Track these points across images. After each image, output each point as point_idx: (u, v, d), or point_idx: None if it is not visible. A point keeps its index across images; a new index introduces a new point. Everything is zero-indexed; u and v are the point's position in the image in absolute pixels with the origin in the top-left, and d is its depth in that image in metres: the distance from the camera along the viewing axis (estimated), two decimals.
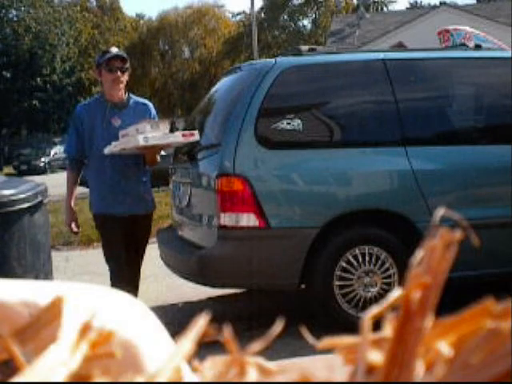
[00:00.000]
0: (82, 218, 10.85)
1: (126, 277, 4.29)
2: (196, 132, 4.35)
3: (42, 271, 4.30)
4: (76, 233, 4.54)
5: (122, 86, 4.40)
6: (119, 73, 4.35)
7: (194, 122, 5.56)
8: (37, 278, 4.12)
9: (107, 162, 4.31)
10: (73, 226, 4.43)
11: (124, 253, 4.32)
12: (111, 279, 4.32)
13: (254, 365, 0.50)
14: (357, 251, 4.44)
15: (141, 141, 4.05)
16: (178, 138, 4.31)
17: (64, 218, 4.41)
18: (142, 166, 4.43)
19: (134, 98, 4.55)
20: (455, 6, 27.56)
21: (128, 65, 4.44)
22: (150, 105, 4.57)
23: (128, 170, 4.37)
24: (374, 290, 4.42)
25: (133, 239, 4.40)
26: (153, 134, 4.12)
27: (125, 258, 4.31)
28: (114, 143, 4.20)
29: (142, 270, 4.57)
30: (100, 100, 4.47)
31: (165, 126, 4.35)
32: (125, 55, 4.48)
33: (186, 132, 4.43)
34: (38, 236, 4.28)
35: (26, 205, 4.15)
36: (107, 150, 4.22)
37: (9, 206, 3.95)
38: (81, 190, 20.63)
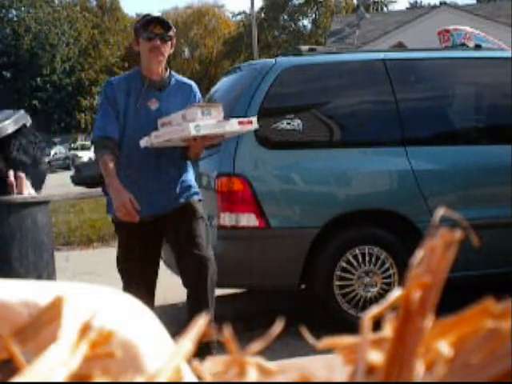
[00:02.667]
0: (82, 218, 10.89)
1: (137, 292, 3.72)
2: (254, 119, 3.69)
3: (45, 271, 4.28)
4: (138, 211, 3.48)
5: (161, 58, 3.62)
6: (159, 41, 3.58)
7: None
8: (39, 278, 4.11)
9: (137, 153, 3.56)
10: (133, 202, 3.46)
11: (142, 267, 3.67)
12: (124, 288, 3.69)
13: (253, 365, 0.50)
14: (357, 251, 4.44)
15: (192, 130, 3.37)
16: (234, 126, 3.59)
17: (115, 203, 3.50)
18: (179, 158, 3.71)
19: (176, 76, 3.78)
20: (455, 6, 27.56)
21: (172, 33, 3.65)
22: (195, 85, 3.83)
23: (164, 162, 3.65)
24: (374, 290, 4.42)
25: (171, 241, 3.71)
26: (205, 121, 3.45)
27: (141, 272, 3.67)
28: (153, 133, 3.48)
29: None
30: (136, 76, 3.70)
31: (218, 112, 3.55)
32: (167, 20, 3.70)
33: (244, 119, 3.73)
34: (40, 236, 4.26)
35: (28, 204, 4.13)
36: (144, 143, 3.51)
37: (11, 204, 3.94)
38: (80, 189, 20.47)
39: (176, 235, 3.65)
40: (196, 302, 3.54)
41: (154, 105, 3.62)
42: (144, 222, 3.53)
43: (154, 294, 3.80)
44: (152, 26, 3.59)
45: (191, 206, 3.68)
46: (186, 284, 3.64)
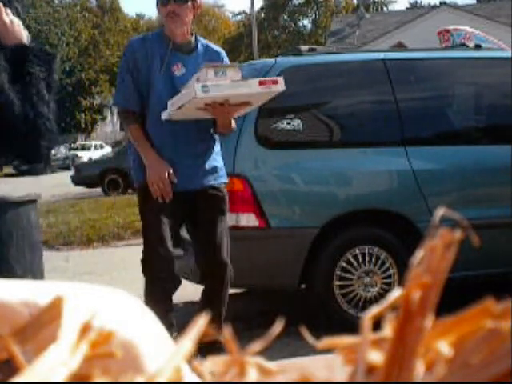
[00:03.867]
0: (82, 218, 10.89)
1: (159, 270, 3.39)
2: (280, 79, 3.24)
3: (39, 271, 4.29)
4: (173, 183, 3.32)
5: (181, 22, 3.32)
6: (174, 4, 3.30)
7: None
8: (34, 277, 4.11)
9: (161, 125, 3.32)
10: (171, 175, 3.31)
11: (168, 240, 3.39)
12: (145, 285, 3.50)
13: (254, 365, 0.50)
14: (357, 251, 4.44)
15: (198, 91, 3.00)
16: (254, 86, 3.12)
17: (150, 175, 3.29)
18: (207, 132, 3.43)
19: (203, 41, 3.53)
20: (455, 6, 27.57)
21: None
22: (224, 53, 3.54)
23: (191, 134, 3.38)
24: (374, 290, 4.42)
25: (192, 223, 3.51)
26: (219, 82, 3.07)
27: (164, 245, 3.39)
28: (169, 102, 3.21)
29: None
30: (160, 37, 3.42)
31: (235, 72, 3.14)
32: None
33: (267, 78, 3.29)
34: (34, 234, 4.26)
35: (23, 202, 4.13)
36: (165, 115, 3.25)
37: (7, 204, 3.94)
38: (80, 189, 20.47)
39: (196, 228, 3.51)
40: (208, 302, 3.52)
41: (178, 70, 3.34)
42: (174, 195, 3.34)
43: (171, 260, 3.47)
44: None
45: (216, 195, 3.45)
46: (200, 282, 3.64)
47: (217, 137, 3.51)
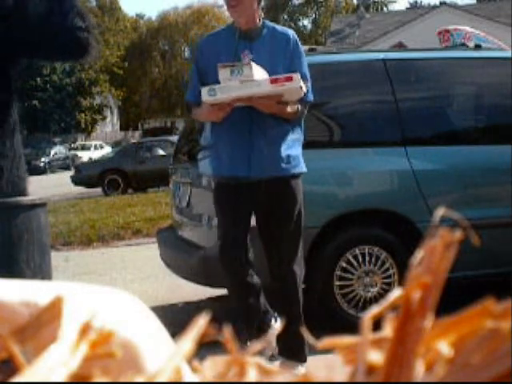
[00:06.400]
0: (82, 218, 10.89)
1: (230, 265, 3.39)
2: (296, 75, 3.17)
3: (47, 273, 4.29)
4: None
5: (242, 11, 3.31)
6: None
7: (194, 122, 5.56)
8: (43, 279, 4.11)
9: (231, 112, 3.23)
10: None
11: (239, 228, 3.38)
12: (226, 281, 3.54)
13: (253, 365, 0.50)
14: (357, 251, 4.44)
15: (206, 96, 3.06)
16: (264, 85, 3.11)
17: (210, 114, 3.26)
18: (274, 119, 3.32)
19: (271, 25, 3.47)
20: (455, 6, 27.58)
21: None
22: (291, 33, 3.46)
23: (259, 123, 3.30)
24: (374, 290, 4.42)
25: (264, 216, 3.44)
26: (228, 83, 3.05)
27: (236, 234, 3.38)
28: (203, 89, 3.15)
29: (141, 269, 4.51)
30: (230, 28, 3.49)
31: (254, 70, 3.11)
32: None
33: (279, 76, 3.17)
34: (43, 237, 4.26)
35: (34, 205, 4.13)
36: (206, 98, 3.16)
37: (19, 207, 3.95)
38: (80, 189, 20.43)
39: (265, 226, 3.46)
40: (281, 303, 3.52)
41: (247, 57, 3.31)
42: (241, 184, 3.31)
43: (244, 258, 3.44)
44: None
45: (289, 188, 3.36)
46: (271, 282, 3.55)
47: (294, 125, 3.41)
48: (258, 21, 3.40)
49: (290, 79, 3.13)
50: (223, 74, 3.07)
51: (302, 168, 3.43)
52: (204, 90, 3.06)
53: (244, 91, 3.09)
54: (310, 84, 3.45)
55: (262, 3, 3.50)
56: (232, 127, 3.32)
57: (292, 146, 3.38)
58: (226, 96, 3.07)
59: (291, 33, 3.48)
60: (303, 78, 3.31)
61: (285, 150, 3.34)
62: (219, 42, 3.42)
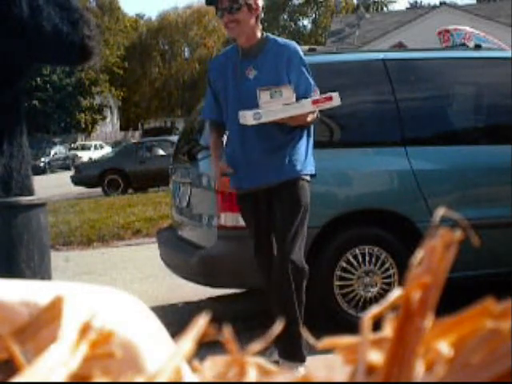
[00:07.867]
0: (82, 218, 10.89)
1: (260, 262, 3.64)
2: (335, 95, 3.35)
3: (46, 273, 4.29)
4: (232, 173, 3.53)
5: (240, 30, 3.42)
6: (228, 15, 3.38)
7: (194, 122, 5.56)
8: (43, 279, 4.12)
9: (238, 125, 3.42)
10: (224, 168, 3.51)
11: (261, 234, 3.59)
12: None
13: (253, 365, 0.50)
14: (357, 251, 4.44)
15: (251, 120, 3.21)
16: (306, 107, 3.28)
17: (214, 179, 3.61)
18: (285, 128, 3.46)
19: (273, 38, 3.55)
20: (455, 6, 27.59)
21: (242, 0, 3.38)
22: (293, 46, 3.55)
23: (267, 132, 3.43)
24: (374, 290, 4.42)
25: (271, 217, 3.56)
26: (270, 107, 3.22)
27: (259, 240, 3.61)
28: (241, 113, 3.33)
29: (141, 269, 4.51)
30: (234, 47, 3.60)
31: (290, 92, 3.28)
32: None
33: (320, 97, 3.35)
34: (43, 237, 4.26)
35: (33, 205, 4.13)
36: (242, 120, 3.36)
37: (18, 207, 3.95)
38: (80, 189, 20.41)
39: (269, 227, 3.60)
40: (276, 304, 3.58)
41: (251, 73, 3.44)
42: (250, 194, 3.54)
43: (268, 267, 3.60)
44: (216, 4, 3.41)
45: (293, 190, 3.49)
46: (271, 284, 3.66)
47: (303, 129, 3.54)
48: (259, 36, 3.49)
49: (330, 99, 3.32)
50: (264, 97, 3.23)
51: (306, 171, 3.57)
52: (249, 115, 3.22)
53: (288, 113, 3.28)
54: (317, 88, 3.53)
55: (262, 15, 3.54)
56: (229, 142, 3.58)
57: (294, 150, 3.50)
58: (271, 118, 3.25)
59: (293, 45, 3.55)
60: (313, 87, 3.47)
61: (284, 157, 3.46)
62: (226, 61, 3.56)
